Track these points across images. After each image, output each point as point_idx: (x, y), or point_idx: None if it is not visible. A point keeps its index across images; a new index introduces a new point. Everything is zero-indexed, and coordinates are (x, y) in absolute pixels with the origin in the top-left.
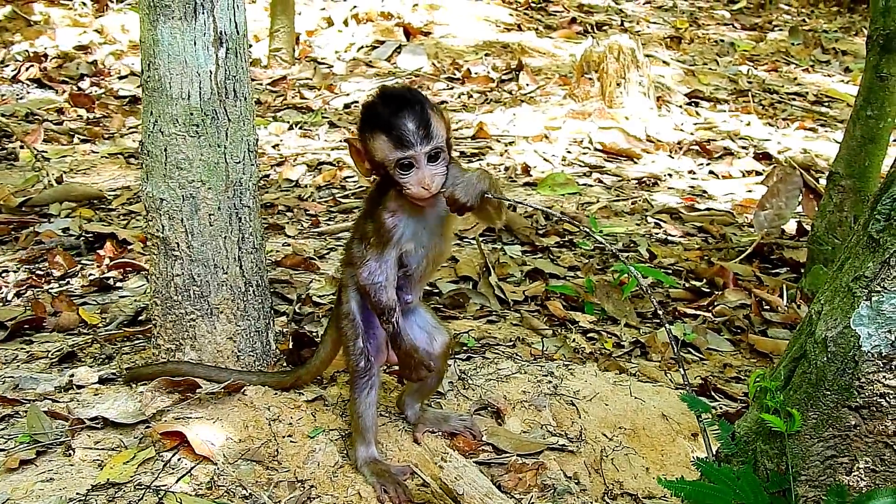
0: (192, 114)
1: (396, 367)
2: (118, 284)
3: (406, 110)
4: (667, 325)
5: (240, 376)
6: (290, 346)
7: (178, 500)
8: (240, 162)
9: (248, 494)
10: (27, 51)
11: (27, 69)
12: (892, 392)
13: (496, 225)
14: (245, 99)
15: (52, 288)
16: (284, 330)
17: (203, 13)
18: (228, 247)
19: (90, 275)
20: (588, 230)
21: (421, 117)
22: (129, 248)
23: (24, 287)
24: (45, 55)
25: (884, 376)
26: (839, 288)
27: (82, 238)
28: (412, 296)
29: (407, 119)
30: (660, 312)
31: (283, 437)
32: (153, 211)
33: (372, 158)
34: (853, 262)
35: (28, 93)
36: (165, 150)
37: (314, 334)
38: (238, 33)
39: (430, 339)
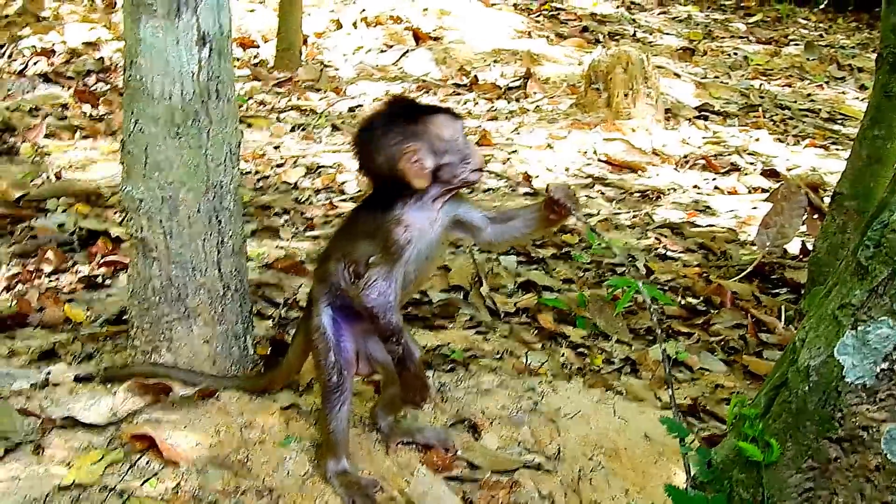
0: (173, 114)
1: (375, 377)
2: (107, 282)
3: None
4: (661, 343)
5: (214, 381)
6: (270, 352)
7: None
8: (221, 164)
9: (213, 501)
10: (35, 46)
11: (35, 64)
12: (874, 425)
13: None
14: (228, 100)
15: (41, 284)
16: (268, 334)
17: (186, 12)
18: (207, 249)
19: (80, 272)
20: (623, 258)
21: None
22: (121, 245)
23: (14, 282)
24: (54, 51)
25: (866, 408)
26: (825, 315)
27: (76, 234)
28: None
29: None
30: (657, 330)
31: (255, 444)
32: (132, 211)
33: (435, 149)
34: (840, 289)
35: (35, 88)
36: (146, 150)
37: None
38: (222, 34)
39: None
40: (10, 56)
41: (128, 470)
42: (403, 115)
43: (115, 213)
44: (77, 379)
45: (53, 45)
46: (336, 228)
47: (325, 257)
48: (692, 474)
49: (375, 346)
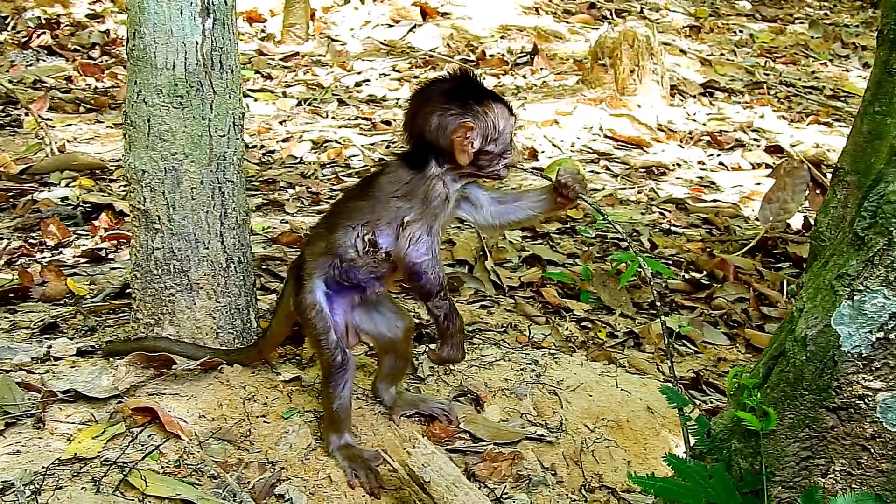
0: (176, 84)
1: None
2: (110, 256)
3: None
4: (662, 316)
5: (207, 354)
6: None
7: (143, 477)
8: (224, 135)
9: (215, 474)
10: (40, 17)
11: (39, 36)
12: (870, 394)
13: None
14: (232, 71)
15: (43, 257)
16: (272, 307)
17: None
18: (210, 221)
19: (83, 245)
20: (626, 239)
21: None
22: (125, 219)
23: (17, 255)
24: (58, 22)
25: (863, 377)
26: (822, 286)
27: (80, 208)
28: (384, 287)
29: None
30: (657, 303)
31: (257, 416)
32: (135, 182)
33: (487, 135)
34: (837, 260)
35: (38, 60)
36: (148, 120)
37: None
38: (226, 4)
39: (392, 325)
40: (13, 28)
41: (129, 443)
42: (468, 91)
43: (119, 187)
44: (79, 353)
45: (58, 16)
46: (337, 203)
47: (327, 229)
48: (691, 444)
49: (362, 317)
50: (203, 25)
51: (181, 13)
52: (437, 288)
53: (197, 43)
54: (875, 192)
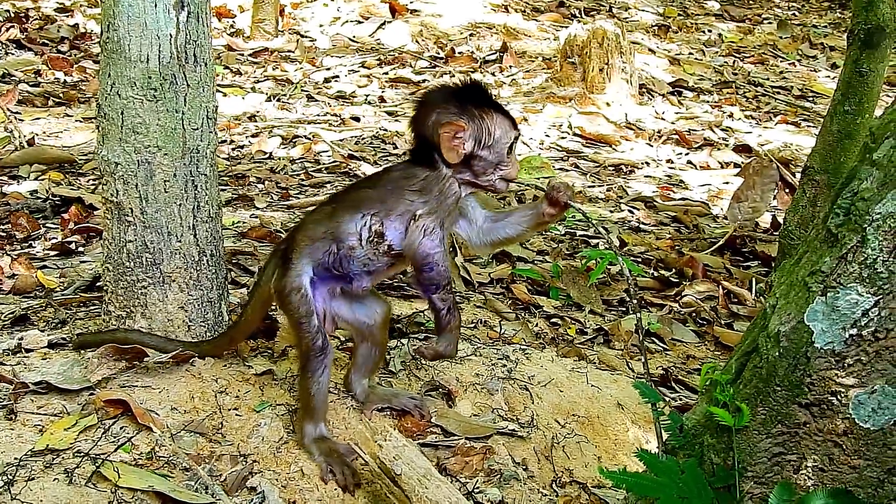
0: (150, 77)
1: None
2: (80, 249)
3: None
4: (638, 314)
5: (179, 347)
6: None
7: (116, 469)
8: (198, 129)
9: (187, 467)
10: (8, 11)
11: (7, 30)
12: (843, 390)
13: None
14: (205, 65)
15: (13, 250)
16: (242, 302)
17: None
18: (183, 214)
19: (53, 238)
20: (607, 241)
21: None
22: (94, 213)
23: None
24: (27, 16)
25: (836, 374)
26: (795, 282)
27: (49, 201)
28: (371, 283)
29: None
30: (634, 300)
31: (229, 409)
32: (107, 175)
33: (480, 139)
34: (811, 257)
35: (7, 53)
36: (122, 113)
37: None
38: None
39: (371, 311)
40: None
41: (102, 435)
42: (472, 97)
43: (88, 180)
44: (50, 345)
45: (27, 10)
46: (341, 191)
47: (329, 216)
48: (664, 439)
49: (341, 306)
50: (177, 18)
51: (155, 6)
52: (445, 281)
53: (171, 36)
54: (848, 190)
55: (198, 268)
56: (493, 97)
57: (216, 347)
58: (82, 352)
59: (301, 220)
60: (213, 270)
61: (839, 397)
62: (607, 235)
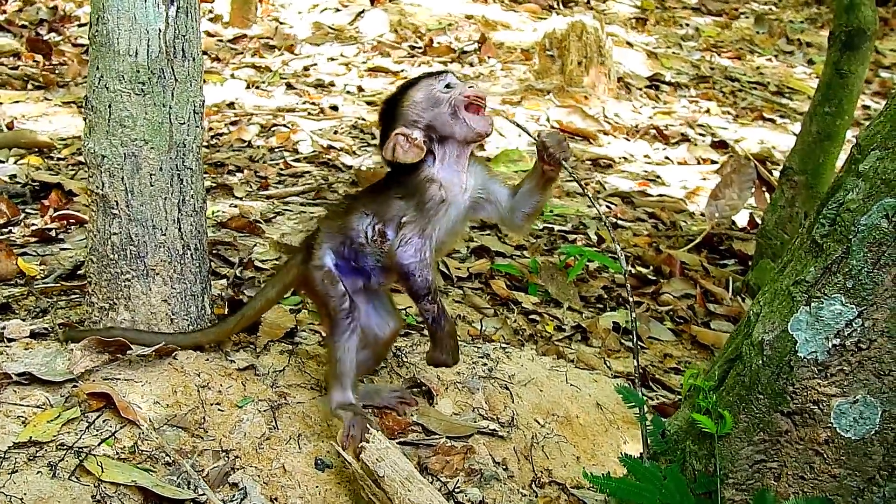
0: (138, 71)
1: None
2: (60, 236)
3: None
4: (632, 314)
5: (174, 339)
6: (227, 312)
7: (99, 463)
8: (184, 123)
9: (170, 461)
10: None
11: None
12: (825, 399)
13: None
14: (194, 59)
15: None
16: (223, 293)
17: None
18: (168, 208)
19: (33, 225)
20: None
21: None
22: (74, 199)
23: None
24: None
25: (818, 383)
26: (779, 291)
27: (28, 186)
28: (385, 280)
29: None
30: (629, 299)
31: (212, 404)
32: (94, 167)
33: (415, 119)
34: (795, 266)
35: None
36: (109, 106)
37: None
38: None
39: (384, 323)
40: None
41: (85, 428)
42: (385, 111)
43: (68, 165)
44: (33, 335)
45: None
46: (363, 189)
47: (345, 211)
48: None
49: (361, 303)
50: (167, 13)
51: (145, 0)
52: (424, 291)
53: (160, 30)
54: (834, 200)
55: (182, 261)
56: (400, 89)
57: (219, 335)
58: (67, 343)
59: (326, 208)
60: (197, 264)
61: (821, 406)
62: (599, 212)
